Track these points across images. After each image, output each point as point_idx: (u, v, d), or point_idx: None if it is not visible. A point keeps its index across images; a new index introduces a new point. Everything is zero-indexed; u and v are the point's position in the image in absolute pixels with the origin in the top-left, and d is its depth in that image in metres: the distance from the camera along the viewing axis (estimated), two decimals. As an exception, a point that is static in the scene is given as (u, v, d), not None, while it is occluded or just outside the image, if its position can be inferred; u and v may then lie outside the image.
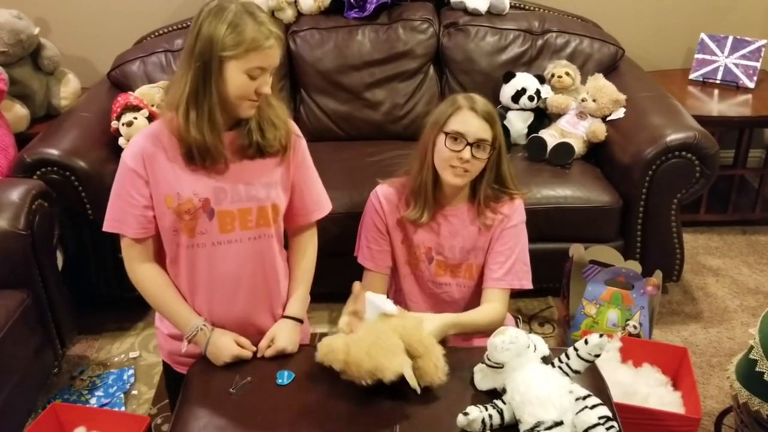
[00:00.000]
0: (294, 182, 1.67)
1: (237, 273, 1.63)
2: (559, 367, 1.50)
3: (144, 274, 1.65)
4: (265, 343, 1.66)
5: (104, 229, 1.61)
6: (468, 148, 1.71)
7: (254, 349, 1.65)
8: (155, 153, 1.55)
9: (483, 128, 1.72)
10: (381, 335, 1.49)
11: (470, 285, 1.91)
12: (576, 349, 1.48)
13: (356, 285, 1.72)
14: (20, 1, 2.96)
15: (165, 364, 1.83)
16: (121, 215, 1.59)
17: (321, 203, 1.75)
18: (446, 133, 1.73)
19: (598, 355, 1.48)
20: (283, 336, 1.66)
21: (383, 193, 1.89)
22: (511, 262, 1.83)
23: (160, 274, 1.65)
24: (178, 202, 1.55)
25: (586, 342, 1.46)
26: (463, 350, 1.73)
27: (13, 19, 2.76)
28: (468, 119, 1.72)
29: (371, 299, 1.60)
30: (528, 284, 1.86)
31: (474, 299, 1.92)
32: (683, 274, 2.67)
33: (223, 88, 1.48)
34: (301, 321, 1.72)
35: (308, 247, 1.78)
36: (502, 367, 1.50)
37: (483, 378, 1.56)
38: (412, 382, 1.48)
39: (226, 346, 1.62)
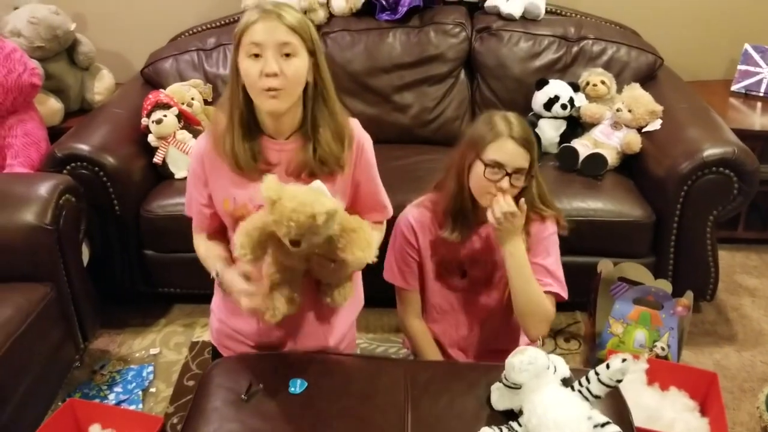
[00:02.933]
0: (359, 180, 1.65)
1: None
2: (579, 391, 1.45)
3: (197, 242, 1.71)
4: None
5: (186, 212, 1.71)
6: (507, 178, 1.67)
7: (264, 282, 1.54)
8: (214, 157, 1.55)
9: (522, 156, 1.67)
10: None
11: (502, 297, 1.88)
12: (597, 373, 1.43)
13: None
14: (58, -3, 2.99)
15: (214, 348, 1.85)
16: (189, 202, 1.69)
17: (385, 204, 1.74)
18: (485, 163, 1.68)
19: (620, 381, 1.42)
20: None
21: (415, 217, 1.86)
22: (547, 270, 1.79)
23: (208, 239, 1.70)
24: (233, 206, 1.56)
25: (607, 366, 1.41)
26: (481, 368, 1.69)
27: (51, 14, 2.80)
28: (507, 148, 1.66)
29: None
30: (563, 293, 1.80)
31: (506, 311, 1.88)
32: (718, 294, 2.57)
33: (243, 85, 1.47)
34: None
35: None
36: (519, 388, 1.46)
37: (500, 397, 1.52)
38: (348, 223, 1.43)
39: (232, 281, 1.54)
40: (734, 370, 2.36)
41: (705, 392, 1.99)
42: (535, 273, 1.77)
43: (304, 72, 1.47)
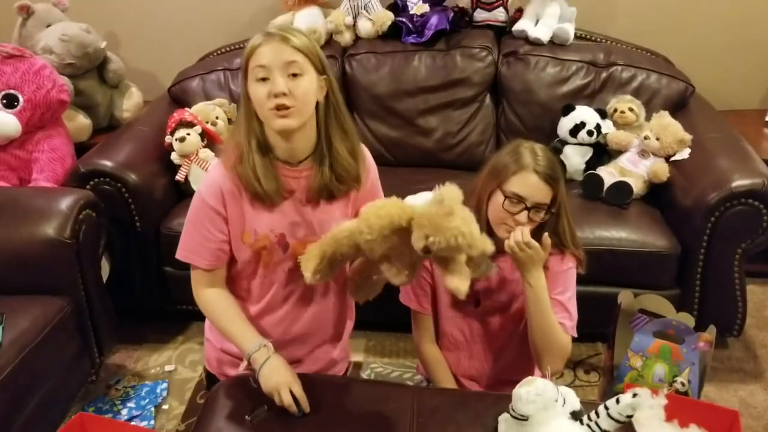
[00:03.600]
0: (360, 204, 1.62)
1: (306, 294, 1.63)
2: (588, 425, 1.40)
3: (208, 297, 1.63)
4: None
5: (177, 257, 1.61)
6: (525, 212, 1.64)
7: (306, 406, 1.53)
8: (233, 189, 1.53)
9: (544, 192, 1.64)
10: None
11: (517, 329, 1.84)
12: (606, 408, 1.38)
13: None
14: (91, 16, 3.06)
15: (210, 376, 1.82)
16: (195, 247, 1.59)
17: None
18: (505, 194, 1.66)
19: (630, 416, 1.38)
20: None
21: None
22: (562, 305, 1.76)
23: (224, 297, 1.64)
24: (254, 238, 1.55)
25: (617, 401, 1.36)
26: (490, 397, 1.65)
27: (82, 32, 2.86)
28: (530, 182, 1.63)
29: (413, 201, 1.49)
30: (573, 331, 1.77)
31: (520, 342, 1.85)
32: (746, 329, 2.49)
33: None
34: None
35: None
36: (527, 420, 1.42)
37: (507, 429, 1.48)
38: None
39: (282, 380, 1.53)
40: (760, 408, 2.27)
41: (726, 431, 1.90)
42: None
43: (313, 90, 1.46)
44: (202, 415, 1.60)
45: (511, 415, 1.45)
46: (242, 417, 1.55)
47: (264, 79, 1.42)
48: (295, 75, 1.42)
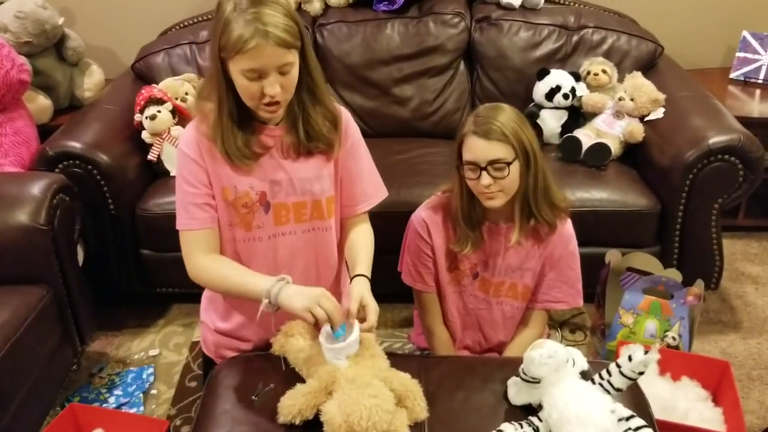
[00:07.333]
0: (342, 172, 1.59)
1: (290, 264, 1.57)
2: (600, 384, 1.42)
3: (206, 263, 1.53)
4: (355, 306, 1.46)
5: (177, 227, 1.53)
6: (484, 173, 1.64)
7: (339, 319, 1.44)
8: (210, 146, 1.48)
9: (493, 149, 1.63)
10: (376, 393, 1.37)
11: (512, 304, 1.86)
12: (618, 366, 1.40)
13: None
14: (44, -9, 2.91)
15: (207, 359, 1.78)
16: (187, 207, 1.51)
17: (368, 194, 1.64)
18: (463, 165, 1.68)
19: (642, 373, 1.40)
20: (369, 297, 1.49)
21: (429, 218, 1.83)
22: (568, 285, 1.85)
23: (222, 258, 1.55)
24: (235, 195, 1.51)
25: (629, 358, 1.38)
26: (495, 362, 1.66)
27: (38, 8, 2.72)
28: (474, 145, 1.65)
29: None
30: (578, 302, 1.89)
31: (515, 320, 1.87)
32: (721, 282, 2.56)
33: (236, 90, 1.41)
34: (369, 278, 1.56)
35: (361, 232, 1.65)
36: (538, 382, 1.43)
37: (517, 392, 1.49)
38: None
39: (311, 295, 1.41)
40: (741, 358, 2.35)
41: (717, 381, 1.97)
42: (553, 289, 1.84)
43: (297, 72, 1.42)
44: (205, 399, 1.57)
45: (522, 378, 1.46)
46: (248, 397, 1.52)
47: (255, 77, 1.37)
48: (284, 72, 1.38)
